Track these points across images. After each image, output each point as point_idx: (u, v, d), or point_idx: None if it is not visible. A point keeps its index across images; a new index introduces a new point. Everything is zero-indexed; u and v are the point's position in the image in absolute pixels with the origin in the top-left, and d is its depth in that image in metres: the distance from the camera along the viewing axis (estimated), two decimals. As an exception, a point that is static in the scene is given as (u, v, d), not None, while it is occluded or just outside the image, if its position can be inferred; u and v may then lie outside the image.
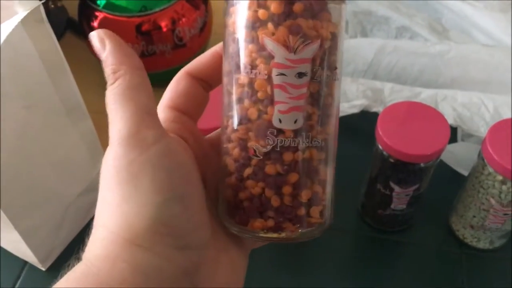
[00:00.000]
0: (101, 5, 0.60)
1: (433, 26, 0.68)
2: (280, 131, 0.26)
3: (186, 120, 0.29)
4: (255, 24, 0.26)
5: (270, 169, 0.26)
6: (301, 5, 0.25)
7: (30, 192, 0.47)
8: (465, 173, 0.55)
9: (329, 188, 0.28)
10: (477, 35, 0.67)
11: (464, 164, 0.57)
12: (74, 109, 0.49)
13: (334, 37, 0.26)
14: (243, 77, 0.26)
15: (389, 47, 0.63)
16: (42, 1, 0.41)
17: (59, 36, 0.68)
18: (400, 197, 0.50)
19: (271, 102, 0.26)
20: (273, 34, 0.25)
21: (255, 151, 0.26)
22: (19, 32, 0.40)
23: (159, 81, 0.66)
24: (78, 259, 0.25)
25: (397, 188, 0.49)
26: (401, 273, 0.53)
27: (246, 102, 0.26)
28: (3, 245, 0.53)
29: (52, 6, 0.63)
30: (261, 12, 0.25)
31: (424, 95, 0.59)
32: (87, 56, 0.67)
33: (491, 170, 0.46)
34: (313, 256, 0.55)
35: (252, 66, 0.26)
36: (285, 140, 0.26)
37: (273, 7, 0.25)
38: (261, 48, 0.25)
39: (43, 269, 0.53)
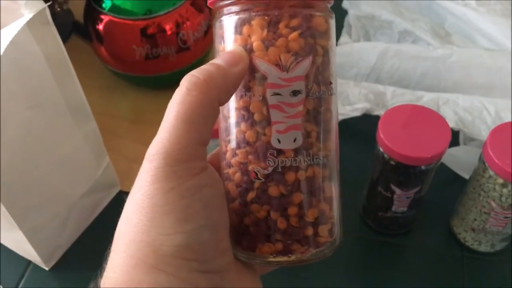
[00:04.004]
0: (107, 8, 0.61)
1: (435, 31, 0.69)
2: (280, 152, 0.25)
3: None
4: (246, 46, 0.25)
5: (273, 191, 0.26)
6: (289, 24, 0.25)
7: (34, 192, 0.48)
8: (466, 176, 0.56)
9: (335, 205, 0.28)
10: (479, 39, 0.68)
11: (465, 167, 0.57)
12: (79, 110, 0.49)
13: (326, 52, 0.26)
14: (238, 100, 0.26)
15: (392, 51, 0.64)
16: (48, 4, 0.41)
17: (65, 39, 0.69)
18: (401, 200, 0.50)
19: (268, 123, 0.25)
20: (264, 55, 0.25)
21: (256, 174, 0.26)
22: (25, 34, 0.41)
23: (163, 84, 0.67)
24: (97, 285, 0.25)
25: (398, 191, 0.50)
26: (402, 276, 0.53)
27: (243, 125, 0.26)
28: (7, 245, 0.54)
29: (58, 9, 0.64)
30: (250, 35, 0.25)
31: (426, 99, 0.59)
32: (92, 59, 0.68)
33: (491, 173, 0.46)
34: (314, 258, 0.55)
35: (246, 88, 0.26)
36: (286, 160, 0.25)
37: (261, 28, 0.25)
38: (253, 70, 0.25)
39: (47, 268, 0.53)
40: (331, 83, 0.26)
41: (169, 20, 0.61)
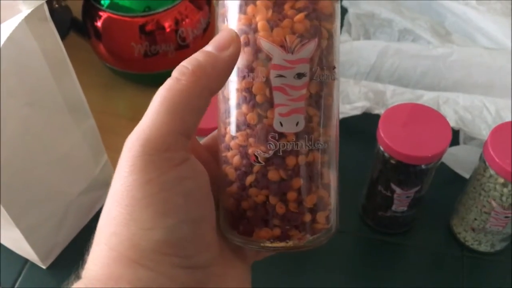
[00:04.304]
0: (105, 5, 0.60)
1: (435, 29, 0.68)
2: (281, 135, 0.25)
3: None
4: (250, 26, 0.25)
5: (273, 175, 0.25)
6: (294, 5, 0.24)
7: (32, 190, 0.47)
8: (467, 175, 0.55)
9: (333, 192, 0.28)
10: (479, 38, 0.67)
11: (466, 167, 0.57)
12: (77, 108, 0.49)
13: (330, 36, 0.25)
14: (240, 82, 0.25)
15: (392, 49, 0.63)
16: (46, 0, 0.41)
17: (63, 36, 0.68)
18: (401, 199, 0.50)
19: (271, 105, 0.25)
20: (269, 35, 0.24)
21: (256, 157, 0.25)
22: (23, 30, 0.40)
23: (162, 82, 0.67)
24: (78, 277, 0.25)
25: (398, 190, 0.49)
26: (401, 276, 0.53)
27: (245, 107, 0.25)
28: (4, 243, 0.53)
29: (56, 5, 0.63)
30: (254, 14, 0.25)
31: (426, 98, 0.59)
32: (90, 56, 0.67)
33: (492, 172, 0.46)
34: (312, 257, 0.54)
35: (249, 69, 0.25)
36: (287, 144, 0.25)
37: (266, 8, 0.24)
38: (257, 50, 0.25)
39: (44, 267, 0.53)
40: (334, 67, 0.26)
41: (168, 17, 0.60)
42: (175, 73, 0.24)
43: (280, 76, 0.24)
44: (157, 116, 0.23)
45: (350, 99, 0.60)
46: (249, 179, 0.26)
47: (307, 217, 0.26)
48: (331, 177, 0.27)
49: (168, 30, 0.61)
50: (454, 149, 0.58)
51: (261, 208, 0.26)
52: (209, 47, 0.24)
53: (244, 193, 0.26)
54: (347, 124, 0.59)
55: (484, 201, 0.48)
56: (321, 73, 0.25)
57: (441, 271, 0.53)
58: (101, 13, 0.61)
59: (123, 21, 0.60)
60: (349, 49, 0.65)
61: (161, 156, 0.23)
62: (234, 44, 0.24)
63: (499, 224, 0.49)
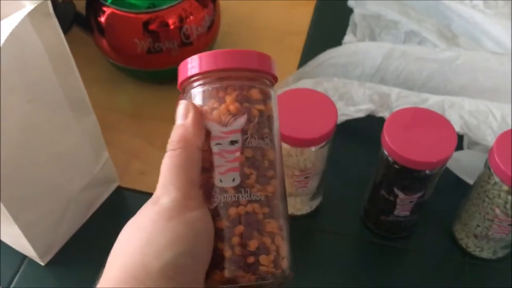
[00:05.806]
0: (109, 1, 0.60)
1: (442, 32, 0.68)
2: (222, 190, 0.31)
3: None
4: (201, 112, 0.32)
5: (219, 223, 0.30)
6: (231, 94, 0.32)
7: (31, 186, 0.47)
8: (471, 181, 0.55)
9: (280, 240, 0.31)
10: (486, 42, 0.67)
11: (470, 173, 0.56)
12: (78, 104, 0.49)
13: (261, 114, 0.32)
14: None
15: (398, 51, 0.63)
16: (50, -5, 0.41)
17: (66, 30, 0.68)
18: (404, 204, 0.50)
19: (213, 167, 0.31)
20: (210, 117, 0.32)
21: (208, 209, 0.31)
22: (26, 26, 0.40)
23: (164, 79, 0.66)
24: None
25: (401, 195, 0.49)
26: (402, 281, 0.52)
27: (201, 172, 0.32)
28: (3, 239, 0.53)
29: (60, 0, 0.63)
30: (204, 103, 0.32)
31: (431, 102, 0.58)
32: (93, 51, 0.67)
33: (497, 179, 0.46)
34: (313, 260, 0.54)
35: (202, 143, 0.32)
36: (227, 196, 0.30)
37: (210, 97, 0.32)
38: (206, 130, 0.32)
39: (42, 264, 0.53)
40: (267, 137, 0.32)
41: (172, 14, 0.60)
42: (169, 147, 0.31)
43: (218, 144, 0.31)
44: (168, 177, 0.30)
45: (354, 101, 0.60)
46: None
47: (250, 259, 0.30)
48: (275, 226, 0.31)
49: (172, 27, 0.60)
50: (458, 154, 0.57)
51: (214, 253, 0.30)
52: (178, 120, 0.32)
53: None
54: (351, 126, 0.59)
55: (488, 208, 0.48)
56: (253, 140, 0.31)
57: (442, 277, 0.53)
58: (104, 9, 0.60)
59: (126, 17, 0.59)
60: (354, 50, 0.65)
61: (180, 203, 0.29)
62: (191, 109, 0.32)
63: (502, 231, 0.49)
